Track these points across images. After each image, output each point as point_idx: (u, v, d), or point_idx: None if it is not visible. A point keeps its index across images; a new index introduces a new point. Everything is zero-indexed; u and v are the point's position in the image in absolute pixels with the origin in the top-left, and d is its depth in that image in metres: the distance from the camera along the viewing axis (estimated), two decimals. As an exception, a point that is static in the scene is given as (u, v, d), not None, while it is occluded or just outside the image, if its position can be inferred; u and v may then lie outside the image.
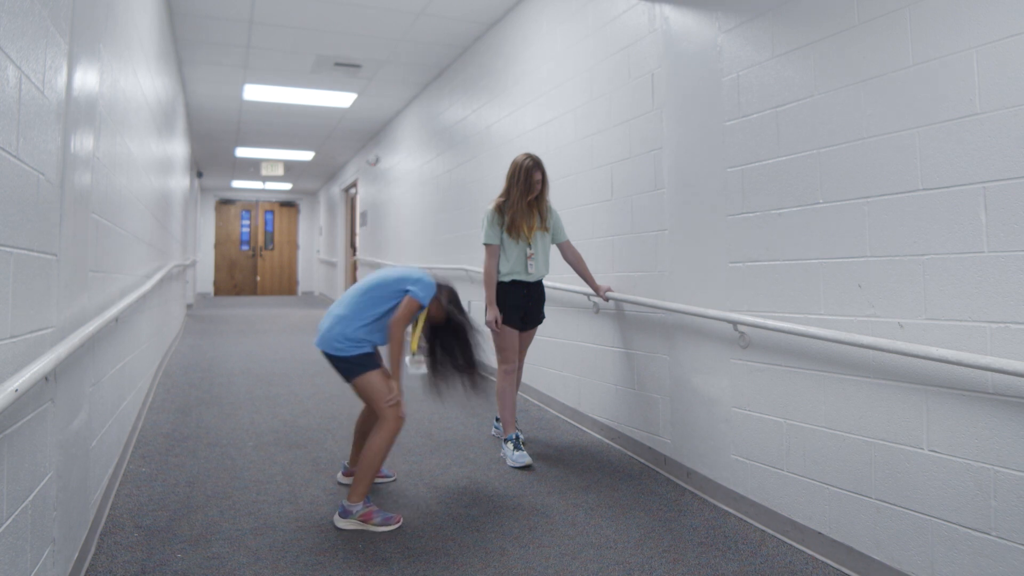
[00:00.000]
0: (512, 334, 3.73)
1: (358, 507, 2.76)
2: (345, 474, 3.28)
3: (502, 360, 3.76)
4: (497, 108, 5.57)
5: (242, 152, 11.72)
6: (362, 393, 2.94)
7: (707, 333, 3.13)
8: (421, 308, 2.95)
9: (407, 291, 2.92)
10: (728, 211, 2.97)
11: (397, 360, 2.89)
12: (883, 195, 2.28)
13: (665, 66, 3.40)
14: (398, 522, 2.76)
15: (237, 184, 15.65)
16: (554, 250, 3.99)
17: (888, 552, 2.28)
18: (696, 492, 3.18)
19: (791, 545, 2.63)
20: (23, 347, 1.65)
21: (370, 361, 2.90)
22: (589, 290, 3.89)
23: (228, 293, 16.84)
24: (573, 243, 3.93)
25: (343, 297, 3.05)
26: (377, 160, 10.14)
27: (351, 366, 2.89)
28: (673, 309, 3.24)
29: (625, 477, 3.39)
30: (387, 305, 2.93)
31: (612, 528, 2.79)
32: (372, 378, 2.88)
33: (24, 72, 1.62)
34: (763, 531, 2.76)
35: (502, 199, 3.73)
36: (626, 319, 3.79)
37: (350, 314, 2.93)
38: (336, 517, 2.78)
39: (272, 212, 17.51)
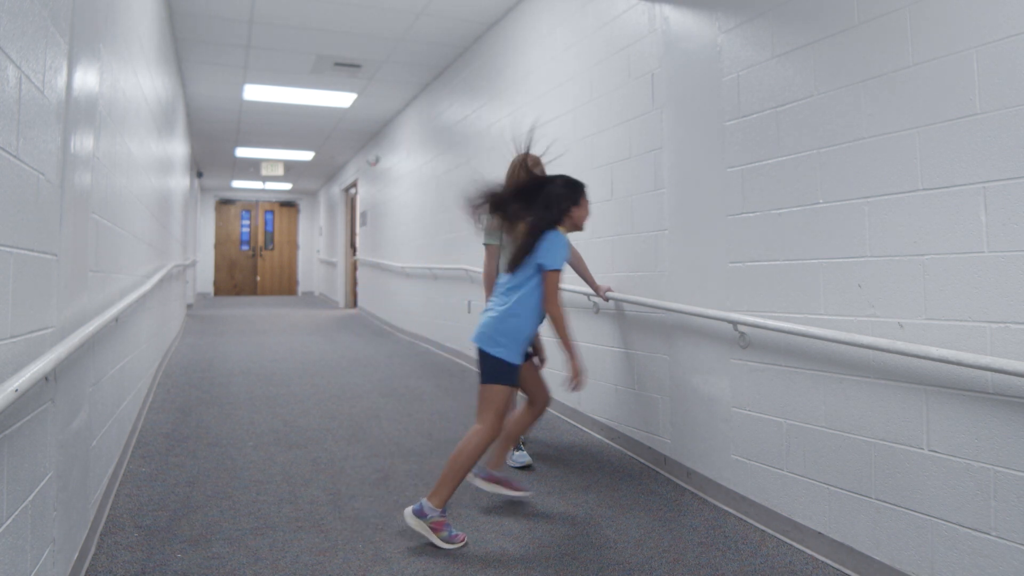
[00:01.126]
0: (512, 334, 3.72)
1: (435, 513, 2.61)
2: (487, 479, 3.05)
3: (502, 360, 3.75)
4: (497, 108, 5.57)
5: (242, 152, 11.72)
6: (487, 397, 2.76)
7: (707, 333, 3.13)
8: (558, 272, 2.76)
9: (539, 264, 2.75)
10: (728, 211, 2.97)
11: (564, 335, 2.78)
12: (883, 195, 2.28)
13: (665, 66, 3.40)
14: (462, 541, 2.61)
15: (237, 184, 15.65)
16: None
17: (888, 552, 2.28)
18: (696, 492, 3.18)
19: (791, 545, 2.63)
20: (23, 347, 1.65)
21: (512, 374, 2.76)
22: (589, 290, 3.88)
23: (228, 293, 16.84)
24: (573, 243, 3.92)
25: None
26: (377, 160, 10.14)
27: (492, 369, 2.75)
28: (673, 309, 3.24)
29: (625, 477, 3.39)
30: (526, 287, 2.77)
31: (612, 528, 2.79)
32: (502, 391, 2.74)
33: (24, 72, 1.62)
34: (763, 531, 2.76)
35: (502, 199, 3.73)
36: (626, 319, 3.79)
37: (498, 308, 2.79)
38: (408, 512, 2.64)
39: (272, 212, 17.51)
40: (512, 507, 2.98)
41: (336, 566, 2.41)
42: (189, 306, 11.89)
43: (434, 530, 2.60)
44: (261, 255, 17.34)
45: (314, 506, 2.96)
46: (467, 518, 2.86)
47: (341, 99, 8.21)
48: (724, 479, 3.02)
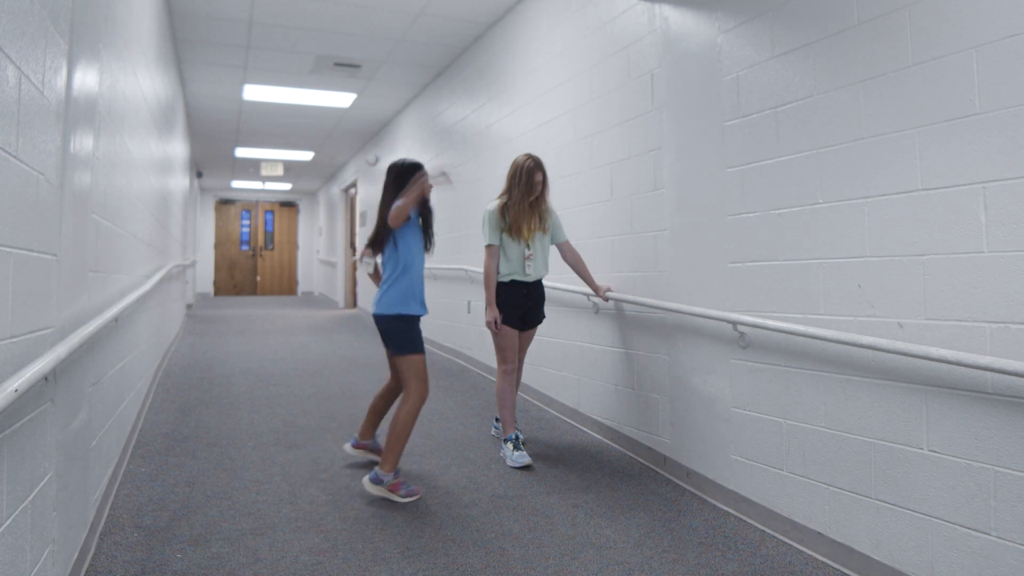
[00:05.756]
0: (512, 334, 3.73)
1: (388, 476, 3.03)
2: (355, 446, 3.53)
3: (502, 360, 3.75)
4: (497, 108, 5.57)
5: (242, 152, 11.72)
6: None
7: (707, 333, 3.13)
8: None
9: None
10: (728, 211, 2.97)
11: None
12: (883, 195, 2.28)
13: (665, 66, 3.40)
14: (417, 494, 3.05)
15: (237, 184, 15.65)
16: (554, 250, 3.99)
17: (888, 552, 2.28)
18: (696, 492, 3.18)
19: (791, 545, 2.63)
20: (23, 347, 1.65)
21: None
22: (589, 290, 3.88)
23: (228, 293, 16.83)
24: (573, 243, 3.93)
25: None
26: (377, 160, 10.14)
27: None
28: (673, 309, 3.24)
29: (625, 477, 3.39)
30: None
31: (612, 528, 2.79)
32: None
33: (24, 72, 1.62)
34: (763, 531, 2.76)
35: (503, 199, 3.73)
36: (626, 319, 3.79)
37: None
38: (367, 480, 3.07)
39: (272, 212, 17.50)
40: (512, 507, 2.98)
41: (336, 566, 2.41)
42: (189, 306, 11.88)
43: (392, 491, 3.03)
44: (261, 255, 17.34)
45: (314, 506, 2.96)
46: (467, 518, 2.86)
47: (341, 99, 8.21)
48: (724, 479, 3.02)
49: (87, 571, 2.33)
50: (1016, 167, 1.90)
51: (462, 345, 6.37)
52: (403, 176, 3.22)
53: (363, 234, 11.46)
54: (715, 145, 3.04)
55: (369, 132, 10.19)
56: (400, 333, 3.15)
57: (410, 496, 3.02)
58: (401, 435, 3.07)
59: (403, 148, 8.70)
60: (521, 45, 5.15)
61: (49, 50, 1.84)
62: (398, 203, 3.06)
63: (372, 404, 3.51)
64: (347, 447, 3.54)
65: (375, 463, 3.41)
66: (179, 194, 7.94)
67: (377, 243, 3.27)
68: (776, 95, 2.70)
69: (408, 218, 3.15)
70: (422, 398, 3.10)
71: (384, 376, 5.80)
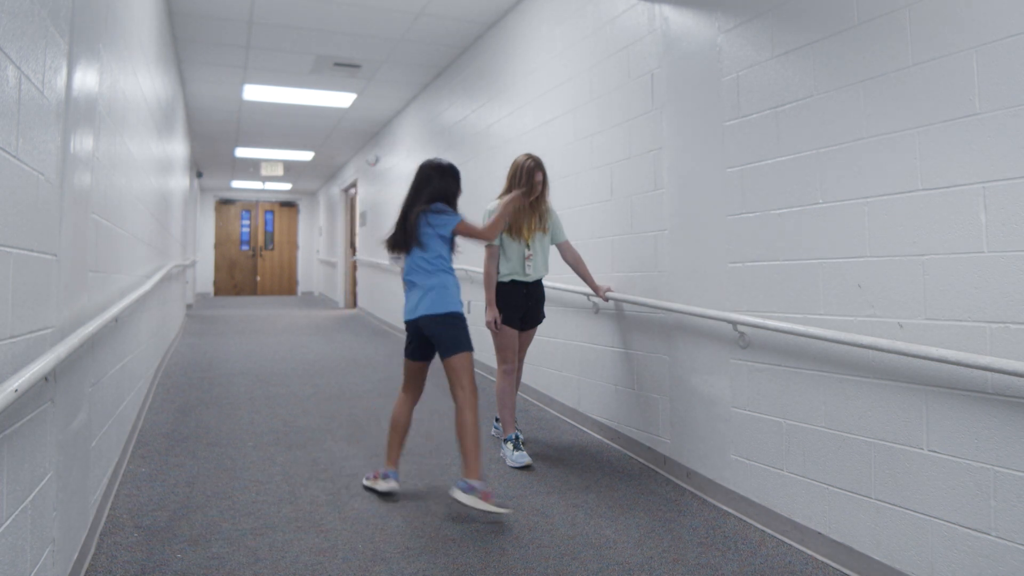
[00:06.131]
0: (511, 334, 3.73)
1: (480, 483, 2.83)
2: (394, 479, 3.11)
3: (501, 360, 3.76)
4: (497, 108, 5.57)
5: (242, 152, 11.72)
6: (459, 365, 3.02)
7: (707, 333, 3.13)
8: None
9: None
10: (728, 211, 2.97)
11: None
12: (883, 195, 2.28)
13: (665, 66, 3.40)
14: (509, 507, 2.86)
15: (237, 184, 15.65)
16: (554, 250, 3.99)
17: (888, 552, 2.28)
18: (696, 492, 3.18)
19: (791, 545, 2.63)
20: (23, 347, 1.65)
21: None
22: (589, 290, 3.88)
23: (228, 293, 16.83)
24: (573, 243, 3.93)
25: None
26: (377, 160, 10.14)
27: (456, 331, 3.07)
28: (673, 309, 3.24)
29: (625, 477, 3.39)
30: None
31: (612, 528, 2.79)
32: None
33: (24, 72, 1.62)
34: (763, 531, 2.76)
35: (503, 199, 3.73)
36: (626, 319, 3.79)
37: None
38: (458, 491, 2.82)
39: (272, 212, 17.50)
40: (512, 507, 2.98)
41: (336, 566, 2.41)
42: (189, 306, 11.88)
43: (486, 499, 2.78)
44: (261, 255, 17.34)
45: (314, 506, 2.96)
46: (467, 518, 2.86)
47: (341, 99, 8.21)
48: (724, 479, 3.02)
49: (87, 571, 2.33)
50: (1016, 167, 1.90)
51: (462, 345, 6.37)
52: (447, 176, 3.21)
53: (363, 234, 11.46)
54: (715, 145, 3.04)
55: (369, 132, 10.19)
56: (455, 330, 3.02)
57: (503, 507, 2.79)
58: (477, 439, 2.90)
59: (403, 148, 8.70)
60: (521, 45, 5.15)
61: (49, 50, 1.84)
62: (492, 220, 3.19)
63: (393, 423, 3.17)
64: (393, 484, 3.06)
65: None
66: (179, 194, 7.94)
67: (403, 244, 3.24)
68: (776, 95, 2.70)
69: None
70: (477, 397, 2.98)
71: (383, 377, 5.80)
